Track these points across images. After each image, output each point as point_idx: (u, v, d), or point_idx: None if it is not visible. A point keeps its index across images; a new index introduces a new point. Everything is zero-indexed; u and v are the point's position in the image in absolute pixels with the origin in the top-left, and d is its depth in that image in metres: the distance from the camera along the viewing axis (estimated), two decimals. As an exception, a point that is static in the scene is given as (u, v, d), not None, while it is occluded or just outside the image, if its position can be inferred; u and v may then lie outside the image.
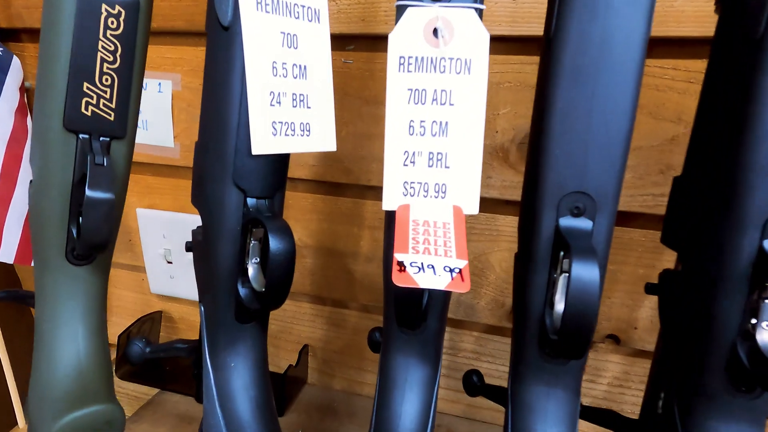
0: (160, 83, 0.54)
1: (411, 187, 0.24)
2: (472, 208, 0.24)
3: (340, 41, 0.49)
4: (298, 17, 0.27)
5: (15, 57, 0.54)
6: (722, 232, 0.23)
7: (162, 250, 0.61)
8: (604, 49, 0.21)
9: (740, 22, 0.22)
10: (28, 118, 0.56)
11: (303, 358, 0.66)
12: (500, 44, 0.45)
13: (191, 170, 0.31)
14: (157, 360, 0.57)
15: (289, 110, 0.25)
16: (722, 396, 0.24)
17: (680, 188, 0.28)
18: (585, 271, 0.21)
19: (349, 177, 0.53)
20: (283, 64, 0.26)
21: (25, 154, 0.55)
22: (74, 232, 0.28)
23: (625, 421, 0.32)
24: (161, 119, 0.55)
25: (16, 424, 0.61)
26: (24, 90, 0.55)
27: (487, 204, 0.50)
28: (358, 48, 0.50)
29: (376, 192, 0.54)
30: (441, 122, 0.24)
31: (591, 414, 0.32)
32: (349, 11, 0.48)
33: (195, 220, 0.30)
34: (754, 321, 0.23)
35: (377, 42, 0.49)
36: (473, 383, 0.34)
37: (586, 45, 0.21)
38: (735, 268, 0.23)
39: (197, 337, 0.35)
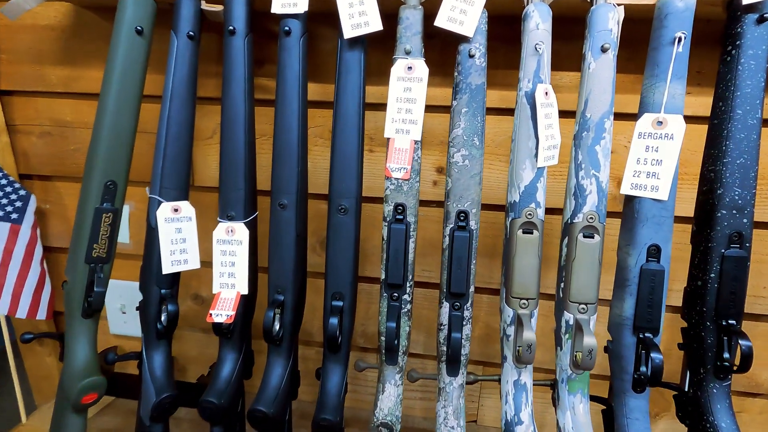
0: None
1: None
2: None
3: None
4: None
5: (32, 195, 0.92)
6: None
7: (119, 304, 0.99)
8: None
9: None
10: (38, 230, 0.93)
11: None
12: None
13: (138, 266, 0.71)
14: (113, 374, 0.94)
15: (180, 251, 0.66)
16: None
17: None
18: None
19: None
20: (179, 240, 0.67)
21: (37, 252, 0.92)
22: (86, 304, 0.67)
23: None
24: (123, 229, 0.95)
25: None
26: (36, 214, 0.93)
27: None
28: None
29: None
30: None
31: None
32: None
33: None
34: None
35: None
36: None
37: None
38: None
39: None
